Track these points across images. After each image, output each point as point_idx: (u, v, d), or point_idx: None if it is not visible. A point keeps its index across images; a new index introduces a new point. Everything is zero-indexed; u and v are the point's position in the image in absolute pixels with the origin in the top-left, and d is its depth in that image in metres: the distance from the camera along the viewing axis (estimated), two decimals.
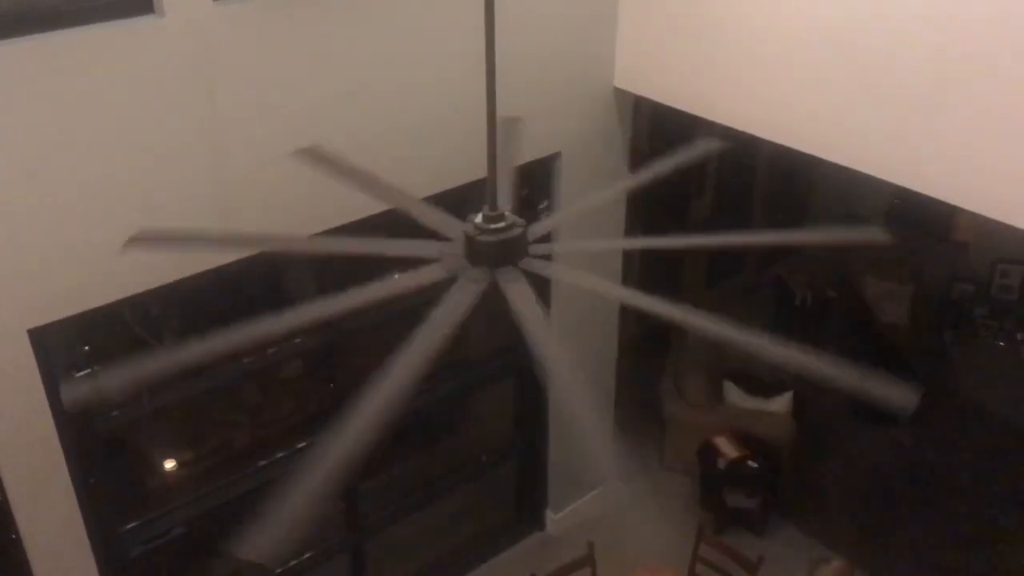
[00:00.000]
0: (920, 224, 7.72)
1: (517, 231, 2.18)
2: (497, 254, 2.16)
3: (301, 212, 3.95)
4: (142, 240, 2.37)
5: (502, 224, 2.16)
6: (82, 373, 3.82)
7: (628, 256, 6.00)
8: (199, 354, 1.91)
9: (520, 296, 2.07)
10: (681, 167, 2.60)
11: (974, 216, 3.66)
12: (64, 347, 3.80)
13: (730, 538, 5.77)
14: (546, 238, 2.35)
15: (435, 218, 2.33)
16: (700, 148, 2.64)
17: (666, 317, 2.09)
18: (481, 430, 6.46)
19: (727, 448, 6.21)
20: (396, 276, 2.19)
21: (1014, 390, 7.19)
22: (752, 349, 2.04)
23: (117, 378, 1.89)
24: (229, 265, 3.86)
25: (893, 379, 1.91)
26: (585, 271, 2.31)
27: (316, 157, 2.53)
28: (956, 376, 7.49)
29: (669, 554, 5.62)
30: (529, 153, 4.64)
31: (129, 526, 4.38)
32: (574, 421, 1.89)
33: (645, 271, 6.67)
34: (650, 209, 6.49)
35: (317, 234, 3.95)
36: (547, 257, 2.24)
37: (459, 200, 4.13)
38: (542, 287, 2.30)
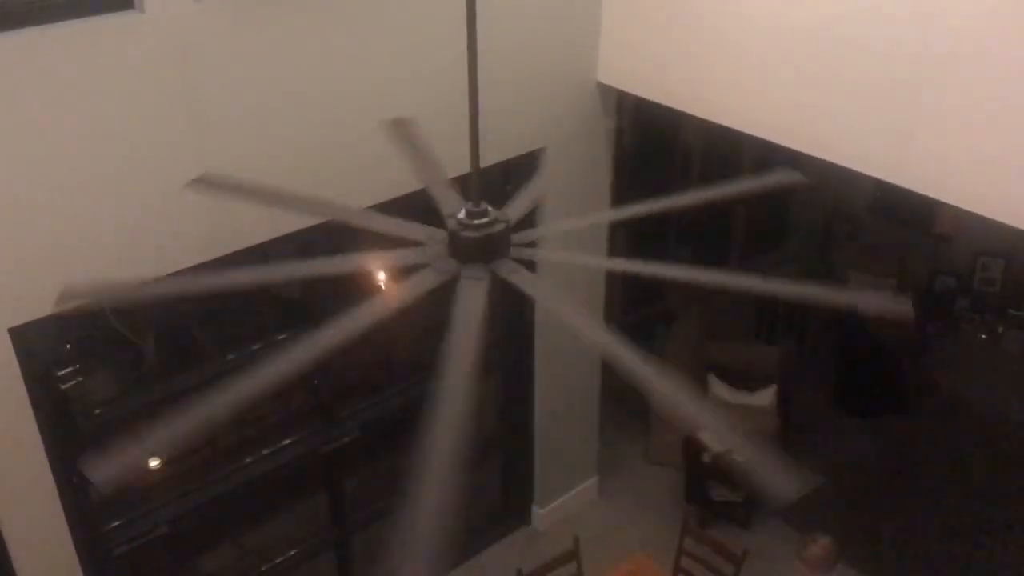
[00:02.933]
0: (902, 218, 7.77)
1: (500, 226, 2.18)
2: (484, 249, 2.15)
3: None
4: (205, 183, 2.37)
5: (485, 220, 2.16)
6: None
7: (612, 253, 6.00)
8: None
9: (530, 284, 2.08)
10: (754, 194, 2.57)
11: (955, 210, 3.68)
12: (46, 345, 3.77)
13: (715, 531, 5.79)
14: (526, 223, 2.36)
15: (412, 228, 2.32)
16: (779, 178, 2.58)
17: (655, 275, 2.09)
18: (467, 425, 6.46)
19: (712, 442, 6.23)
20: (374, 253, 2.19)
21: (996, 382, 7.24)
22: (744, 288, 2.00)
23: (144, 447, 1.83)
24: (211, 262, 3.84)
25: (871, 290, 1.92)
26: (569, 251, 2.30)
27: (211, 184, 2.52)
28: (939, 368, 7.54)
29: (654, 548, 5.64)
30: (513, 149, 4.63)
31: (112, 525, 4.36)
32: (627, 374, 1.91)
33: (629, 259, 6.67)
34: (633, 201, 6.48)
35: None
36: (530, 262, 2.24)
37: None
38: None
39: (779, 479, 1.75)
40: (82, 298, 2.33)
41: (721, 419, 1.90)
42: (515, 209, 2.34)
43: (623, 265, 2.57)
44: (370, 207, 3.59)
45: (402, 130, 2.61)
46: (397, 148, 2.58)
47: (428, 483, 1.70)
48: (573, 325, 2.09)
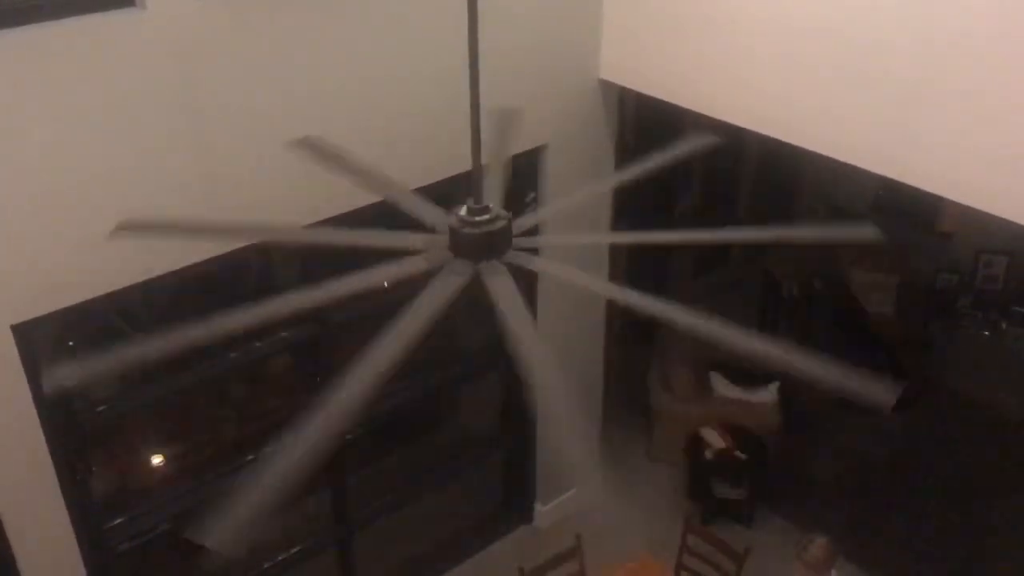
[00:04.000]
0: (905, 215, 7.75)
1: (501, 224, 2.17)
2: (480, 247, 2.15)
3: (285, 204, 3.94)
4: (130, 228, 2.35)
5: (486, 217, 2.15)
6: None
7: (615, 246, 5.99)
8: (179, 342, 1.87)
9: (502, 291, 2.05)
10: (674, 162, 2.58)
11: (958, 206, 3.68)
12: (48, 342, 3.77)
13: (717, 528, 5.79)
14: (532, 231, 2.35)
15: (425, 210, 2.31)
16: (692, 143, 2.62)
17: (649, 312, 2.08)
18: (469, 423, 6.46)
19: (714, 439, 6.23)
20: (378, 266, 2.17)
21: (998, 379, 7.23)
22: (737, 345, 2.03)
23: (97, 364, 1.86)
24: (213, 259, 3.84)
25: (874, 375, 1.91)
26: (570, 266, 2.30)
27: (312, 147, 2.49)
28: (941, 366, 7.52)
29: (657, 545, 5.64)
30: (515, 146, 4.62)
31: (115, 522, 4.36)
32: (553, 422, 1.88)
33: (631, 260, 6.67)
34: (636, 200, 6.47)
35: (304, 226, 3.93)
36: (532, 251, 2.23)
37: (449, 192, 4.11)
38: (529, 278, 2.29)
39: (870, 389, 1.83)
40: (139, 229, 2.32)
41: (775, 347, 1.86)
42: (528, 218, 2.33)
43: (625, 238, 2.56)
44: (371, 205, 3.58)
45: (320, 149, 2.54)
46: (329, 167, 2.51)
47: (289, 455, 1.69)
48: (596, 288, 2.07)
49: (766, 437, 6.34)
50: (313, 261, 4.35)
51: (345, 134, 4.02)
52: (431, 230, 2.25)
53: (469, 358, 5.68)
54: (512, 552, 5.99)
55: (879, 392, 1.92)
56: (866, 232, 2.49)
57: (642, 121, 6.92)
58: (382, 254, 2.21)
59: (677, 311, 2.08)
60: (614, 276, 6.09)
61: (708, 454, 6.17)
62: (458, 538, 6.13)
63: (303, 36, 3.83)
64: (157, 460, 5.09)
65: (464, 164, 2.24)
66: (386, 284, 2.14)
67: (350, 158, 2.43)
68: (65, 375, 1.74)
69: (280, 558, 5.27)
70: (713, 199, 8.13)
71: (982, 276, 7.84)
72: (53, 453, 3.80)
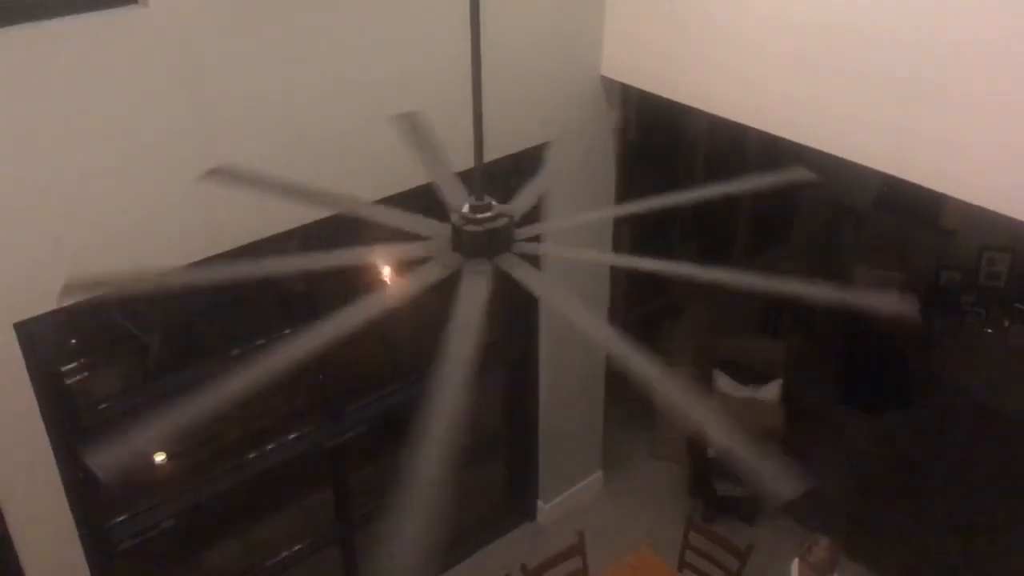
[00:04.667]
0: (908, 212, 7.74)
1: (504, 220, 2.17)
2: (489, 242, 2.15)
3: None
4: (219, 173, 2.40)
5: (488, 214, 2.16)
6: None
7: (616, 249, 5.99)
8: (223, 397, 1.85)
9: (533, 280, 2.08)
10: (759, 190, 2.59)
11: (961, 204, 3.67)
12: (51, 340, 3.77)
13: (720, 526, 5.79)
14: (532, 232, 2.35)
15: (416, 221, 2.32)
16: (787, 176, 2.58)
17: (658, 272, 2.09)
18: (471, 420, 6.46)
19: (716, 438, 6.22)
20: (378, 247, 2.19)
21: (1001, 377, 7.22)
22: (747, 286, 2.07)
23: (146, 436, 1.82)
24: (216, 256, 3.85)
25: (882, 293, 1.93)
26: (573, 247, 2.31)
27: (232, 176, 2.52)
28: (944, 363, 7.52)
29: (659, 542, 5.64)
30: (517, 143, 4.63)
31: (118, 520, 4.37)
32: (629, 370, 1.93)
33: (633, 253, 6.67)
34: (639, 191, 6.48)
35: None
36: (534, 257, 2.24)
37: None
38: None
39: (778, 479, 1.75)
40: (86, 290, 2.33)
41: (722, 418, 1.90)
42: (520, 203, 2.34)
43: (627, 261, 2.57)
44: (375, 202, 3.58)
45: (410, 123, 2.61)
46: (404, 141, 2.58)
47: (423, 478, 1.70)
48: (574, 320, 2.09)
49: (769, 435, 6.33)
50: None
51: (346, 130, 4.05)
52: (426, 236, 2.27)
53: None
54: (514, 549, 6.00)
55: (892, 303, 1.93)
56: (799, 173, 2.50)
57: (644, 119, 6.93)
58: (389, 236, 2.24)
59: (682, 267, 2.09)
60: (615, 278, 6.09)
61: (711, 452, 6.16)
62: (460, 535, 6.13)
63: (304, 32, 3.83)
64: (160, 458, 5.09)
65: (467, 162, 2.24)
66: (386, 267, 2.16)
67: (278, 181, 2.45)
68: (109, 459, 1.68)
69: (282, 555, 5.28)
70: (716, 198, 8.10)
71: (985, 273, 7.83)
72: (56, 451, 3.80)
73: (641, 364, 1.94)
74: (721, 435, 1.89)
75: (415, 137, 2.56)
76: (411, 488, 1.68)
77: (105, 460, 1.70)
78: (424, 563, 1.61)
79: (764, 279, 2.20)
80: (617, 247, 5.96)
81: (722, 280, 2.18)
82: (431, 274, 2.11)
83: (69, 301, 2.29)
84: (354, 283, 3.37)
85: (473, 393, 1.85)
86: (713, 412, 1.93)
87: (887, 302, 2.25)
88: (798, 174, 2.58)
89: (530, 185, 2.49)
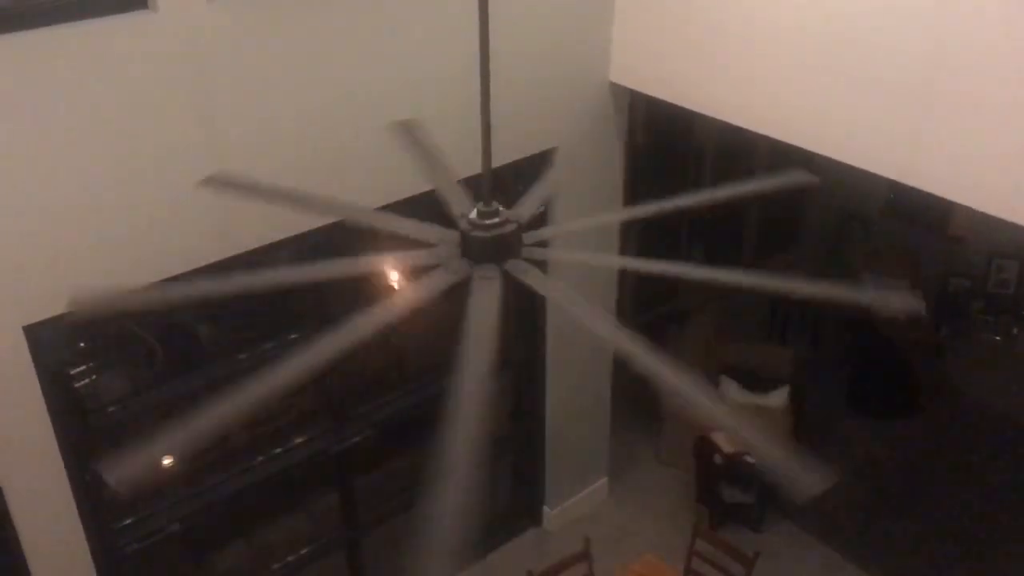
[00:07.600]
0: (916, 219, 7.73)
1: (511, 226, 2.18)
2: (497, 248, 2.16)
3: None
4: (219, 181, 2.40)
5: (496, 220, 2.16)
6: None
7: (624, 252, 5.99)
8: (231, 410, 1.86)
9: (543, 285, 2.08)
10: (760, 193, 2.59)
11: (970, 211, 3.66)
12: (59, 344, 3.79)
13: (727, 533, 5.78)
14: (540, 238, 2.36)
15: (421, 228, 2.32)
16: (788, 179, 2.59)
17: (666, 274, 2.13)
18: (482, 425, 6.45)
19: (724, 443, 6.22)
20: (386, 254, 2.20)
21: (1010, 384, 7.20)
22: (757, 286, 2.07)
23: (160, 449, 1.83)
24: (226, 261, 3.86)
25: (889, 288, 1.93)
26: (581, 251, 2.30)
27: (226, 183, 2.53)
28: (952, 370, 7.50)
29: (665, 549, 5.63)
30: (525, 149, 4.63)
31: (125, 522, 4.37)
32: (642, 371, 1.91)
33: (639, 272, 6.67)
34: (647, 196, 6.48)
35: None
36: (542, 262, 2.24)
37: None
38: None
39: (800, 476, 1.75)
40: (90, 305, 2.34)
41: (736, 417, 1.89)
42: (526, 208, 2.34)
43: (635, 264, 2.57)
44: (381, 208, 3.59)
45: (410, 131, 2.61)
46: (406, 150, 2.59)
47: (446, 483, 1.70)
48: (586, 323, 2.09)
49: (779, 438, 6.31)
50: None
51: (355, 136, 4.06)
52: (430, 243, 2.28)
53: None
54: (521, 555, 5.99)
55: (902, 301, 1.94)
56: (800, 176, 2.51)
57: (652, 124, 6.93)
58: (397, 243, 2.24)
59: (687, 268, 2.10)
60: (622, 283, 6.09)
61: (718, 459, 6.15)
62: (472, 539, 6.12)
63: (314, 38, 3.84)
64: (167, 461, 5.10)
65: (474, 167, 2.24)
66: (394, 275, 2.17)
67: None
68: (124, 473, 1.68)
69: (289, 559, 5.28)
70: (722, 205, 8.09)
71: (994, 280, 7.81)
72: (64, 454, 3.81)
73: (653, 362, 1.93)
74: (745, 433, 1.88)
75: (416, 144, 2.57)
76: (437, 495, 1.69)
77: (121, 473, 1.71)
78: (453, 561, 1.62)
79: (772, 279, 2.19)
80: (624, 252, 5.96)
81: (730, 281, 2.18)
82: (440, 281, 2.11)
83: (76, 313, 2.29)
84: (363, 289, 3.37)
85: (489, 399, 1.86)
86: (726, 410, 1.93)
87: (895, 299, 2.24)
88: (798, 177, 2.57)
89: (537, 190, 2.49)
